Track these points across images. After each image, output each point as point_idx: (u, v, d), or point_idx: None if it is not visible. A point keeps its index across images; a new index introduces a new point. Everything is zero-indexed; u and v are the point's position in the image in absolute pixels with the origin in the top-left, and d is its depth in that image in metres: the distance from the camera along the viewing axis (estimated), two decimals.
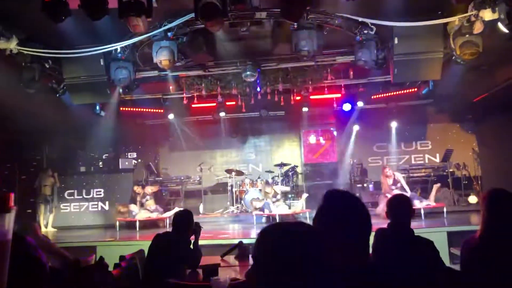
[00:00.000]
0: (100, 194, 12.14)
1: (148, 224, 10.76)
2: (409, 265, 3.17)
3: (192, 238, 4.62)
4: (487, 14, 6.69)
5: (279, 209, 10.40)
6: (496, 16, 6.59)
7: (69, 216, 11.95)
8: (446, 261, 4.49)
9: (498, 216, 2.90)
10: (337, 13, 7.54)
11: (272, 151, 15.06)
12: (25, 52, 7.48)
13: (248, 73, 9.16)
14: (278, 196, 10.89)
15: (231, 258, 5.01)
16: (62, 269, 2.98)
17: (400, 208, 3.62)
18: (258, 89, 11.02)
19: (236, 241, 5.48)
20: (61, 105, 9.47)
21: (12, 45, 7.17)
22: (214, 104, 12.29)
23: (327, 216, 1.76)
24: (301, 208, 10.69)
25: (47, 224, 11.34)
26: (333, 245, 1.65)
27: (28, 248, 2.44)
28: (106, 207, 11.99)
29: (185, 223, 4.48)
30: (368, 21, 7.62)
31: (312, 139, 14.42)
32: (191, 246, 4.50)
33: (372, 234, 3.59)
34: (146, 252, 4.63)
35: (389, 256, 3.31)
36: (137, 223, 10.41)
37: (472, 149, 13.27)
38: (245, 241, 5.69)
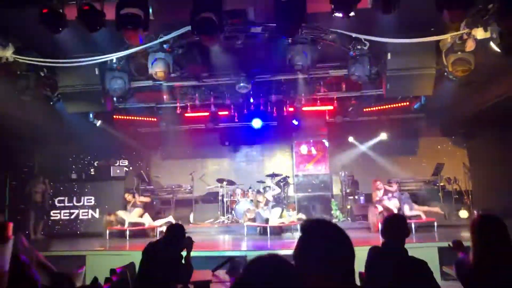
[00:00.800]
0: (91, 202, 11.98)
1: (138, 233, 10.68)
2: (402, 285, 3.19)
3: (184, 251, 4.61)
4: (480, 33, 6.78)
5: (272, 216, 10.37)
6: (488, 35, 6.68)
7: (59, 224, 11.83)
8: (438, 278, 4.51)
9: (489, 242, 2.95)
10: (331, 29, 7.62)
11: (264, 161, 15.10)
12: (21, 60, 7.47)
13: (241, 84, 9.22)
14: (270, 204, 10.86)
15: (222, 273, 4.99)
16: (51, 285, 2.96)
17: (396, 228, 3.65)
18: (251, 99, 11.08)
19: (227, 253, 5.48)
20: (54, 113, 9.46)
21: (8, 53, 7.17)
22: (207, 113, 12.30)
23: (308, 249, 1.72)
24: (292, 220, 10.64)
25: (36, 231, 11.23)
26: (317, 278, 1.65)
27: (23, 267, 2.43)
28: (97, 215, 11.85)
29: (177, 238, 4.47)
30: (361, 36, 7.71)
31: (304, 149, 14.45)
32: (183, 261, 4.49)
33: (366, 250, 3.63)
34: (136, 263, 4.61)
35: (382, 276, 3.33)
36: (127, 232, 10.35)
37: (463, 164, 13.37)
38: (236, 253, 5.70)
